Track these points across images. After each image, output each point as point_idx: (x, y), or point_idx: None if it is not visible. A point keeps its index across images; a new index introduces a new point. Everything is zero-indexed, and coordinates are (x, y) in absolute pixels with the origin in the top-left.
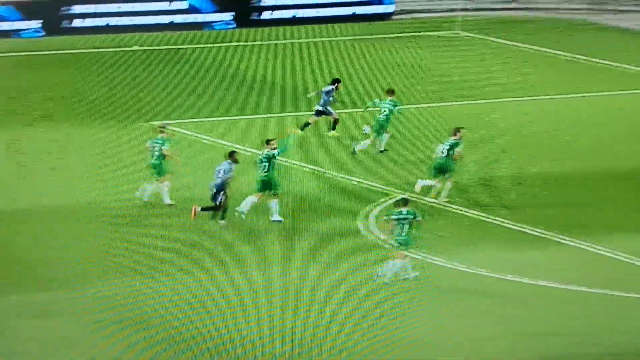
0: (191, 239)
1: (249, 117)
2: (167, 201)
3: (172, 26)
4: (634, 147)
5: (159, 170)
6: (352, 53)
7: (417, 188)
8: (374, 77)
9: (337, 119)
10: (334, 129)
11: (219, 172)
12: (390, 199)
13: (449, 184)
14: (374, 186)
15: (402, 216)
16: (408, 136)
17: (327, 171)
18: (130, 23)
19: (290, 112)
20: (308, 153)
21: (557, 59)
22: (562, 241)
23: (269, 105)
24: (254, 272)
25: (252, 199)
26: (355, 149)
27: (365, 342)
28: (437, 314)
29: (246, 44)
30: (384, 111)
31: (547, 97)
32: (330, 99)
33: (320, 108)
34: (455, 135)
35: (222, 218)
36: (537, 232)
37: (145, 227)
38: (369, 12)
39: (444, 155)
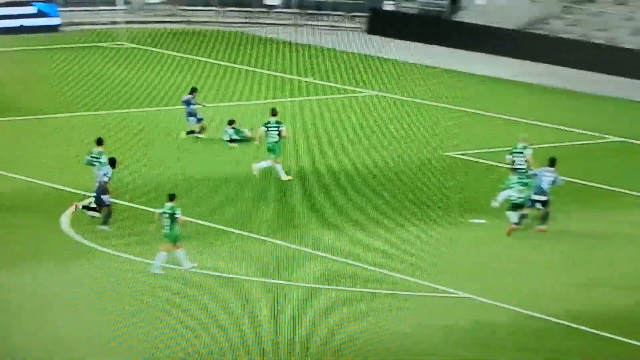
0: None
1: None
2: None
3: None
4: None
5: None
6: (24, 63)
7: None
8: (48, 86)
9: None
10: (190, 133)
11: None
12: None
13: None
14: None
15: (165, 210)
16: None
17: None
18: None
19: None
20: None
21: (222, 68)
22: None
23: None
24: None
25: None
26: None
27: None
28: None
29: None
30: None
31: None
32: (192, 106)
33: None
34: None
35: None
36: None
37: None
38: (36, 25)
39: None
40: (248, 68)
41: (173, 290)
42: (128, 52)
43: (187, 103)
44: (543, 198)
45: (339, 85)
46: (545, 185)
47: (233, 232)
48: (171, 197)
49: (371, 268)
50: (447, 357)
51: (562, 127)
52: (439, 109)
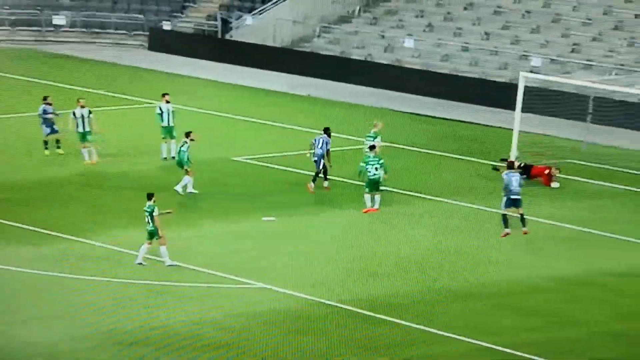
0: None
1: None
2: None
3: None
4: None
5: None
6: None
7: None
8: None
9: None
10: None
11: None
12: None
13: None
14: None
15: (145, 208)
16: None
17: None
18: None
19: None
20: None
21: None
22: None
23: None
24: None
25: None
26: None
27: None
28: None
29: None
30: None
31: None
32: (48, 116)
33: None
34: None
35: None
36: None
37: None
38: None
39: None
40: (37, 81)
41: None
42: None
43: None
44: (518, 197)
45: (123, 96)
46: (515, 185)
47: (44, 233)
48: (149, 196)
49: (178, 263)
50: (255, 342)
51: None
52: (220, 118)
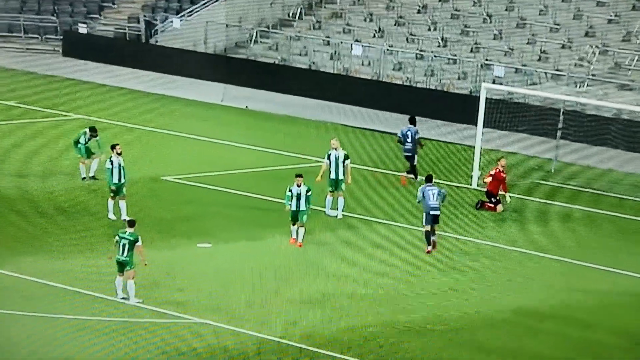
0: None
1: None
2: None
3: None
4: None
5: None
6: None
7: None
8: None
9: None
10: None
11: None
12: None
13: None
14: None
15: (122, 236)
16: None
17: None
18: None
19: None
20: None
21: None
22: None
23: None
24: None
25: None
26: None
27: None
28: None
29: None
30: None
31: None
32: None
33: None
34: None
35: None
36: None
37: None
38: None
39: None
40: None
41: None
42: None
43: None
44: (437, 213)
45: (35, 108)
46: (433, 200)
47: None
48: (131, 223)
49: (100, 295)
50: None
51: (271, 150)
52: (146, 132)
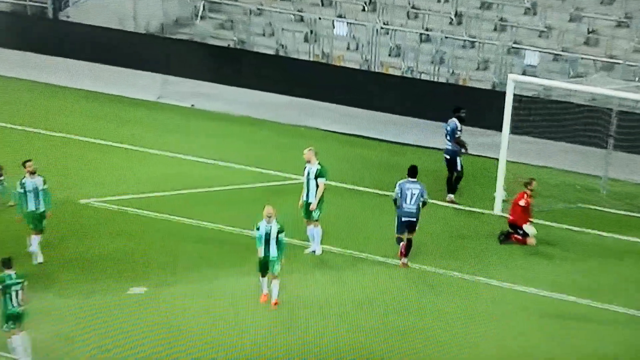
0: None
1: None
2: None
3: None
4: None
5: None
6: None
7: None
8: None
9: None
10: None
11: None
12: None
13: None
14: None
15: (9, 283)
16: None
17: None
18: None
19: None
20: None
21: None
22: None
23: None
24: None
25: None
26: None
27: None
28: None
29: None
30: None
31: None
32: None
33: None
34: None
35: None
36: None
37: None
38: None
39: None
40: None
41: None
42: None
43: None
44: (412, 219)
45: None
46: (409, 202)
47: None
48: (6, 263)
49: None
50: None
51: (226, 164)
52: (56, 139)
